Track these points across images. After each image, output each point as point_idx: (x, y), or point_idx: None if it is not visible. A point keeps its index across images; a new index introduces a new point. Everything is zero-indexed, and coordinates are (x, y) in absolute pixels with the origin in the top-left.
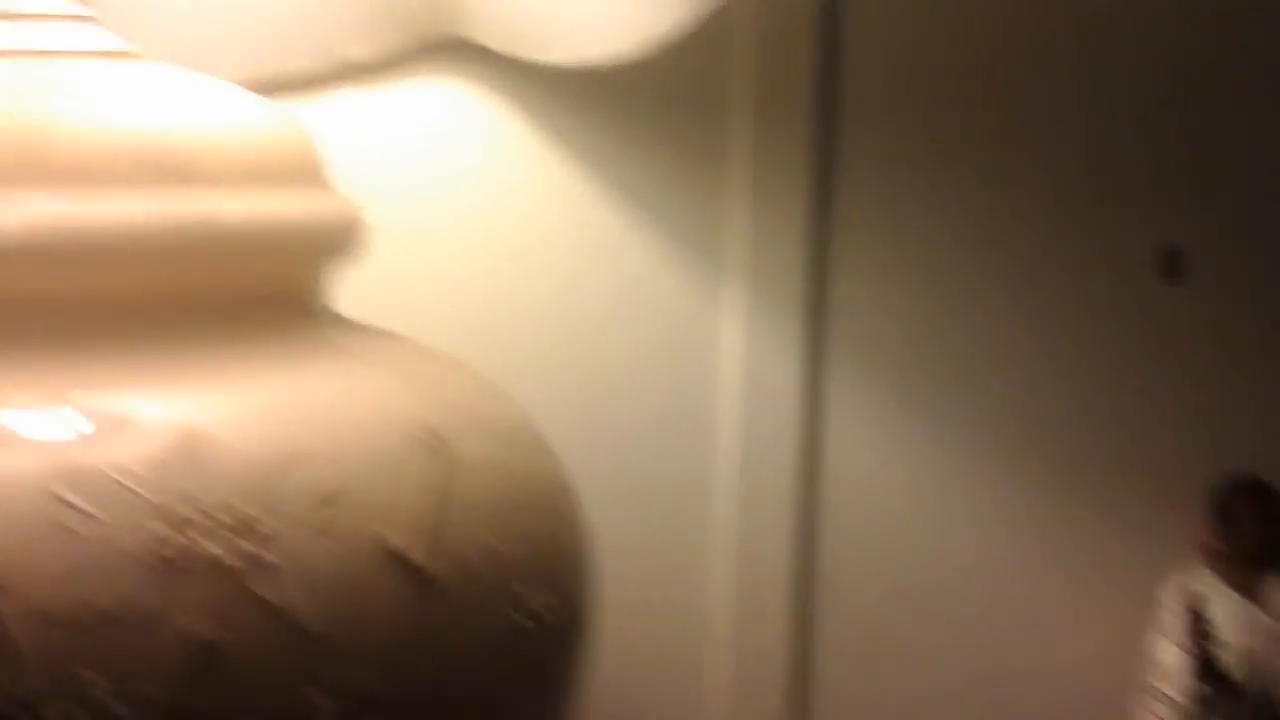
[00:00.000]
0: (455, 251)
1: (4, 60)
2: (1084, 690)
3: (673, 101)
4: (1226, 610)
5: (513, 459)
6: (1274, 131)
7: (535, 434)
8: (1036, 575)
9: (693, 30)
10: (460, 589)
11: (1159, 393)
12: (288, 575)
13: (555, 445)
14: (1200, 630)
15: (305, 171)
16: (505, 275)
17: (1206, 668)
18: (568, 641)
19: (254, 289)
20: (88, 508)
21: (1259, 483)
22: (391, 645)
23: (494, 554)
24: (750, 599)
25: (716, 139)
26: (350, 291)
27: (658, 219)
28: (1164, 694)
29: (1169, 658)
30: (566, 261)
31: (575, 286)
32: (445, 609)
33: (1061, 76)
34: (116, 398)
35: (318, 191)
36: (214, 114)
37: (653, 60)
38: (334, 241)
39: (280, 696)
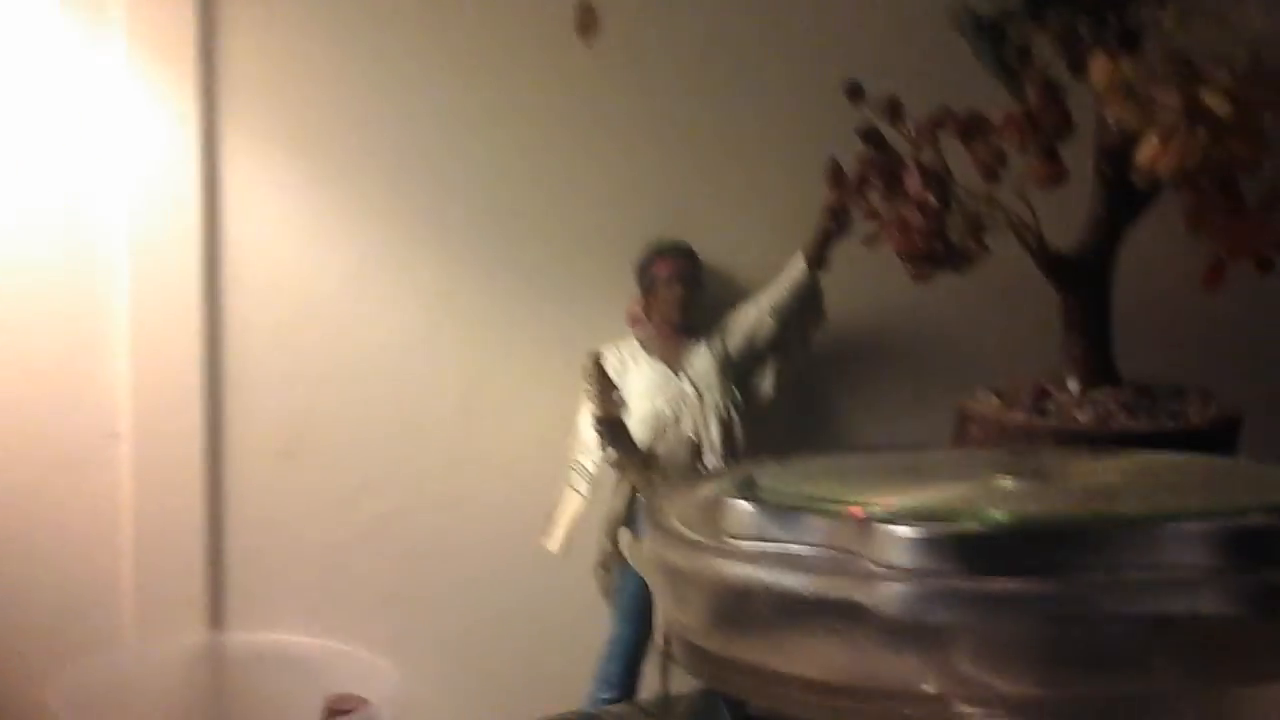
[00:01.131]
0: None
1: None
2: (523, 470)
3: None
4: (642, 376)
5: None
6: None
7: None
8: (469, 352)
9: None
10: None
11: (586, 160)
12: None
13: None
14: (606, 396)
15: None
16: None
17: (612, 432)
18: None
19: None
20: None
21: (677, 246)
22: None
23: None
24: (154, 391)
25: None
26: None
27: None
28: (582, 465)
29: (585, 429)
30: None
31: None
32: None
33: None
34: None
35: None
36: None
37: None
38: None
39: None
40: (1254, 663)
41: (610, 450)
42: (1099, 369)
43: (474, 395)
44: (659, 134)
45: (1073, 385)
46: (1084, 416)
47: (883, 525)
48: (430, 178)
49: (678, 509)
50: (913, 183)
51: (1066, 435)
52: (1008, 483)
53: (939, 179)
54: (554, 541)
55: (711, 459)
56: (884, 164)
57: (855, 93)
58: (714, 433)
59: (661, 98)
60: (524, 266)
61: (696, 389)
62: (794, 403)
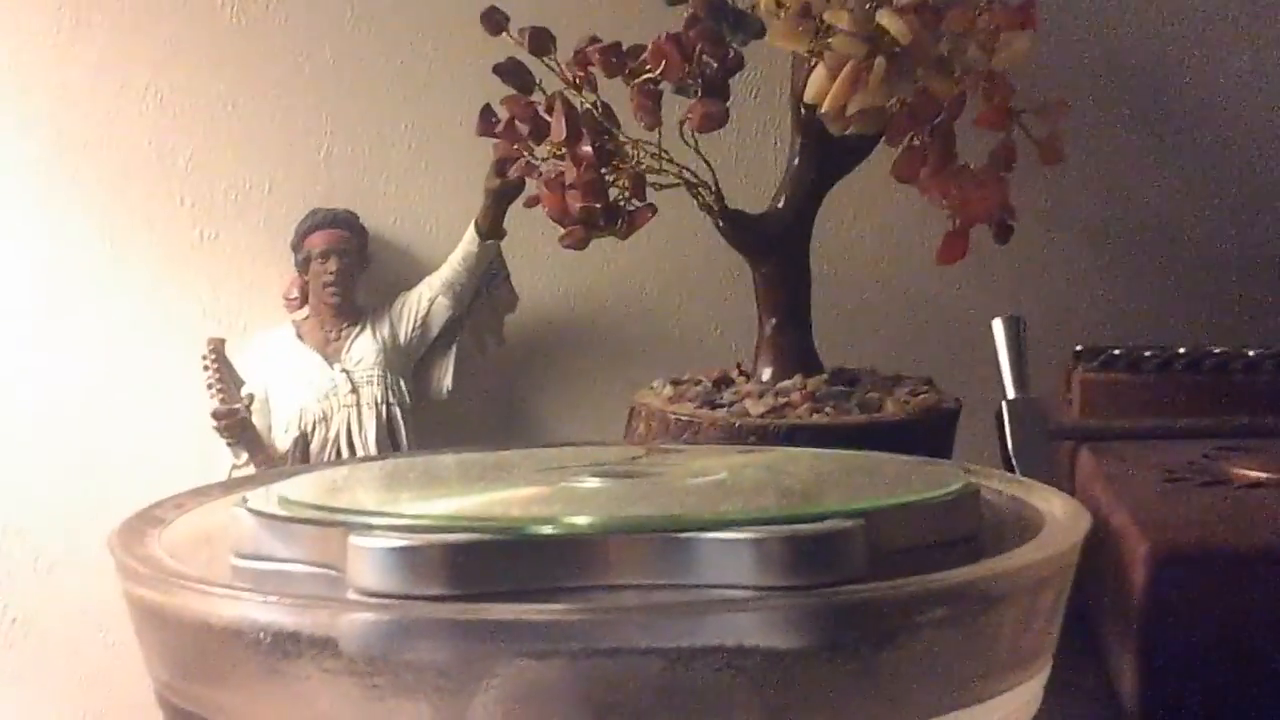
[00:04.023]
0: None
1: None
2: (165, 486)
3: None
4: (291, 367)
5: None
6: None
7: None
8: (93, 346)
9: None
10: None
11: (232, 115)
12: None
13: None
14: (228, 390)
15: None
16: None
17: (234, 432)
18: None
19: None
20: None
21: (334, 215)
22: None
23: None
24: None
25: None
26: None
27: None
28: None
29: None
30: None
31: None
32: None
33: None
34: None
35: None
36: None
37: None
38: None
39: None
40: (836, 710)
41: (240, 455)
42: (795, 353)
43: (100, 398)
44: (315, 83)
45: (765, 372)
46: (758, 409)
47: (356, 539)
48: (35, 128)
49: (189, 528)
50: (557, 129)
51: (734, 430)
52: (590, 484)
53: (596, 125)
54: None
55: None
56: (529, 108)
57: (494, 23)
58: (370, 432)
59: (312, 42)
60: (162, 241)
61: (352, 382)
62: (485, 396)
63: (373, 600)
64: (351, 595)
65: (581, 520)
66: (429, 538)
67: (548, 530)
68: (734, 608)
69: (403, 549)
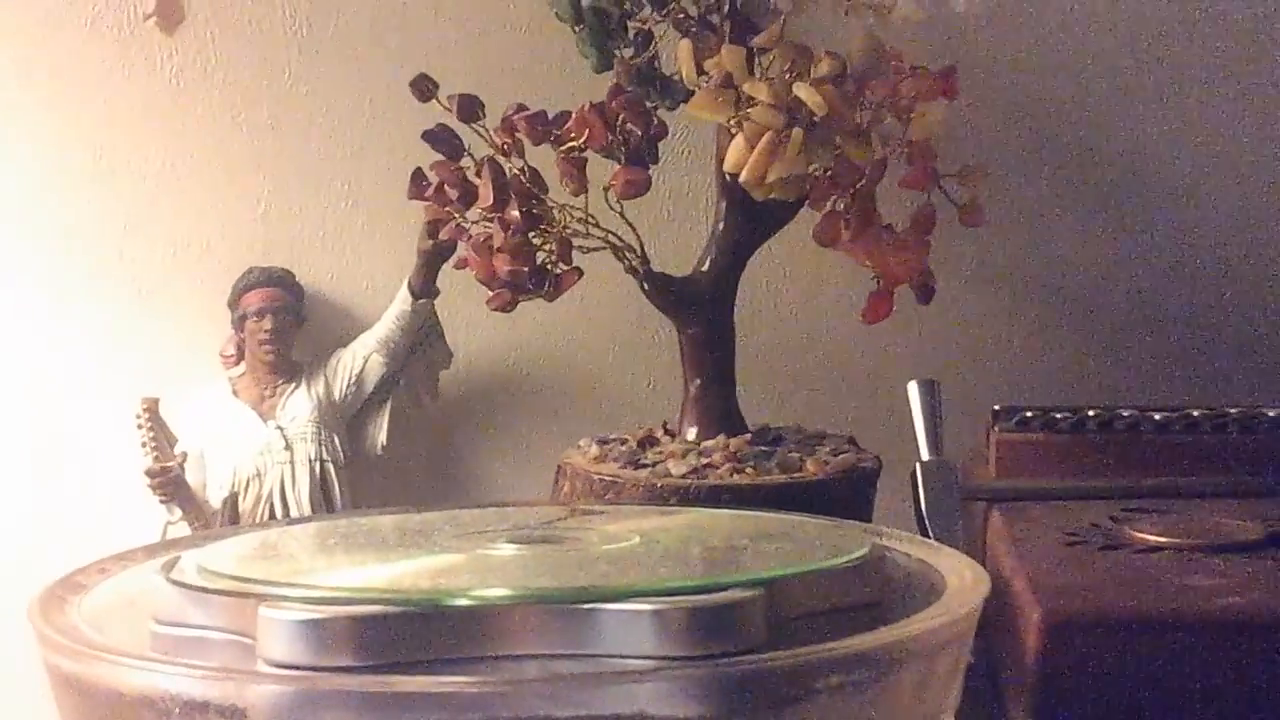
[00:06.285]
0: None
1: None
2: (111, 544)
3: None
4: (227, 425)
5: None
6: None
7: None
8: (34, 407)
9: None
10: None
11: (170, 177)
12: None
13: None
14: (161, 447)
15: None
16: None
17: (168, 490)
18: None
19: None
20: None
21: (270, 273)
22: None
23: None
24: None
25: None
26: None
27: None
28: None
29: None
30: None
31: None
32: None
33: None
34: None
35: None
36: None
37: None
38: None
39: None
40: None
41: (174, 512)
42: (718, 413)
43: (44, 457)
44: (253, 144)
45: (690, 432)
46: (679, 469)
47: (266, 611)
48: None
49: (113, 592)
50: (485, 194)
51: (655, 490)
52: (505, 551)
53: (524, 189)
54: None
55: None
56: (457, 173)
57: (424, 90)
58: (303, 489)
59: (250, 104)
60: (100, 298)
61: (286, 438)
62: (419, 453)
63: (281, 671)
64: (261, 666)
65: (488, 592)
66: (337, 610)
67: (455, 602)
68: (633, 678)
69: (311, 621)
